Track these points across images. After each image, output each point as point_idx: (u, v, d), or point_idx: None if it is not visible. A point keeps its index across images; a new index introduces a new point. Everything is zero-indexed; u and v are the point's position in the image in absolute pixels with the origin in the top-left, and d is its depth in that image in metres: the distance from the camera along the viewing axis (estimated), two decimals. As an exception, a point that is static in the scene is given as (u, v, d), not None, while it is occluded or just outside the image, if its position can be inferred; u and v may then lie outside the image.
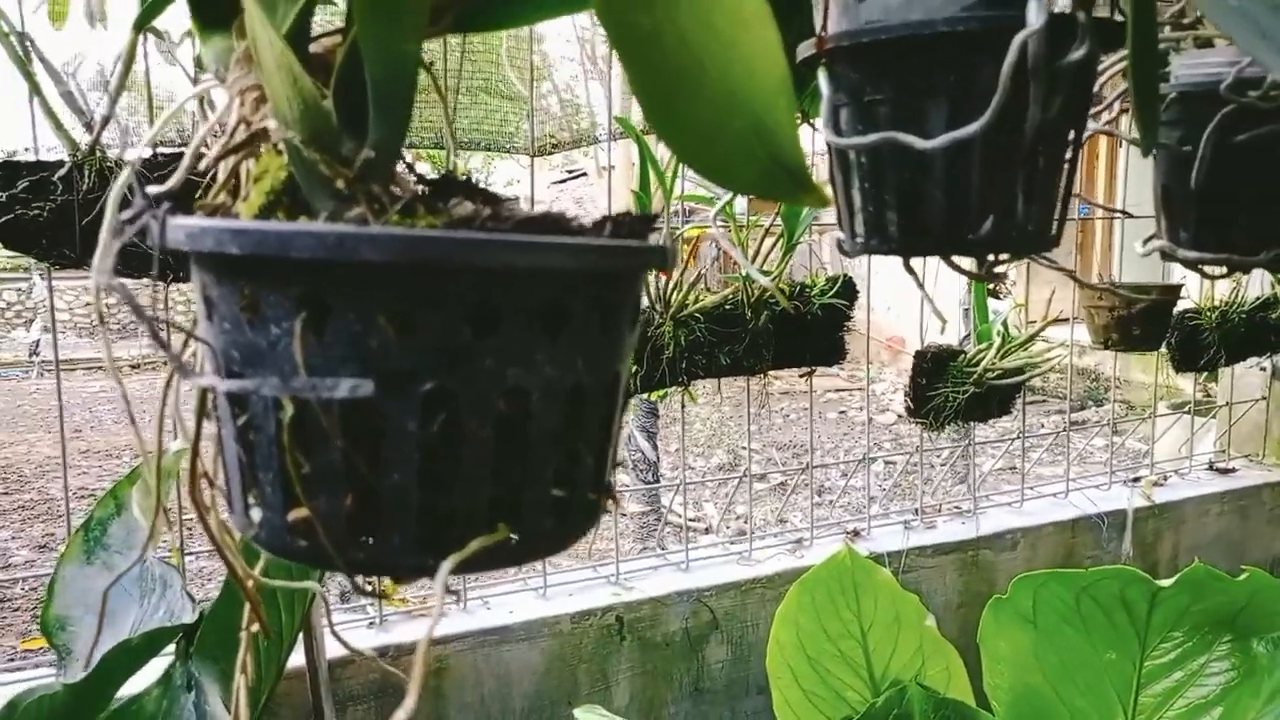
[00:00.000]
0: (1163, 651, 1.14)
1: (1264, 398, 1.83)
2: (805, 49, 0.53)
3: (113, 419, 6.33)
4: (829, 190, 0.35)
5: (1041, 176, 0.49)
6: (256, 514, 0.34)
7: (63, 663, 0.96)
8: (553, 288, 0.32)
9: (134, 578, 0.98)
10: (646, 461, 3.32)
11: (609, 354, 0.35)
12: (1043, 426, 4.91)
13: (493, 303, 0.31)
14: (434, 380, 0.31)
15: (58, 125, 0.97)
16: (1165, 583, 1.06)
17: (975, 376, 1.33)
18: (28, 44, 0.95)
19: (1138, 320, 1.52)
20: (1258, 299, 1.65)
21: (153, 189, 0.34)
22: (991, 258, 0.54)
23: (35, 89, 0.96)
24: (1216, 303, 1.66)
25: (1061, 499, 1.66)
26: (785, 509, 3.66)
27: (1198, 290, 1.66)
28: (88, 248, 0.97)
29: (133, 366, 8.16)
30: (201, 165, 0.43)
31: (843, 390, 6.72)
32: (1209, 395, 3.65)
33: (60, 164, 0.95)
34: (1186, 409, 2.03)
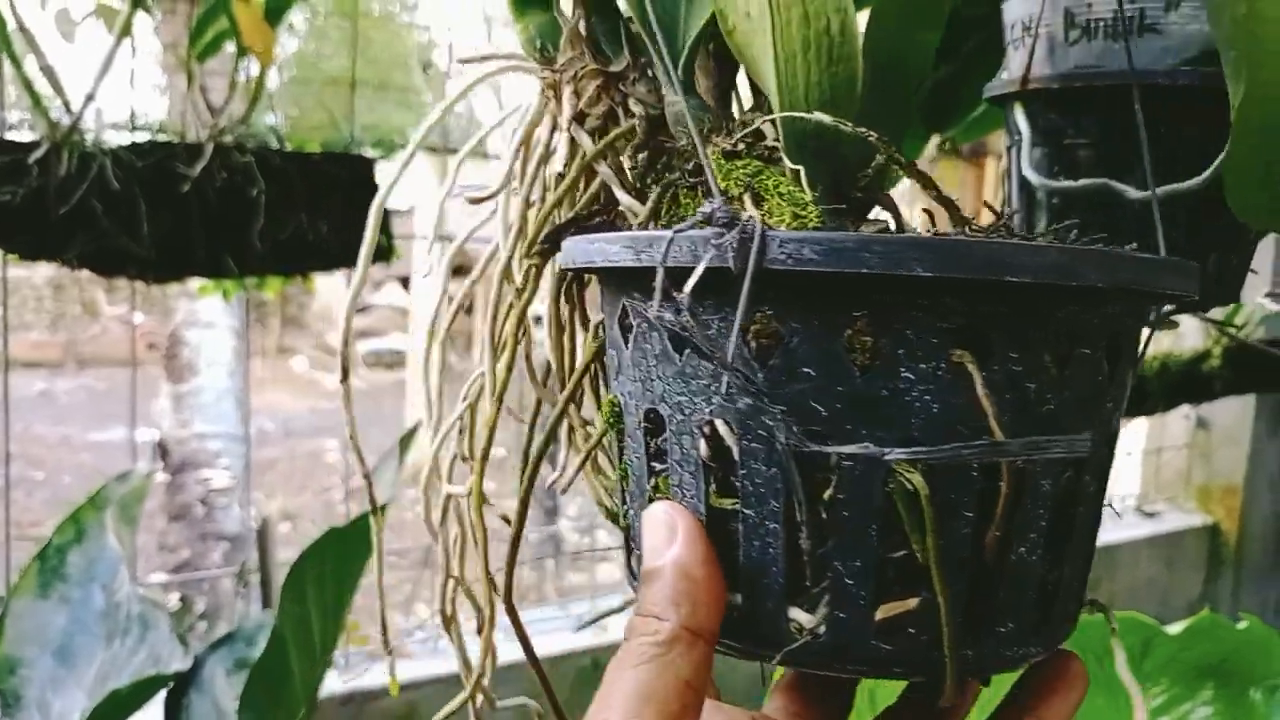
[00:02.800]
0: (1151, 696, 1.16)
1: (1188, 445, 1.92)
2: (999, 86, 0.51)
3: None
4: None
5: (1236, 231, 0.48)
6: (805, 617, 0.27)
7: (9, 710, 0.84)
8: (1146, 317, 0.29)
9: (98, 614, 0.87)
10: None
11: None
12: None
13: (1121, 334, 0.27)
14: (1079, 429, 0.26)
15: (36, 102, 0.86)
16: (1173, 629, 1.08)
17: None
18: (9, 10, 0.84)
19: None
20: (1194, 350, 1.73)
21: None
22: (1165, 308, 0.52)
23: (13, 60, 0.85)
24: (1157, 355, 1.73)
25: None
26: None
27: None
28: (64, 239, 0.86)
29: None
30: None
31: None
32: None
33: (36, 145, 0.85)
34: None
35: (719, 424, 0.27)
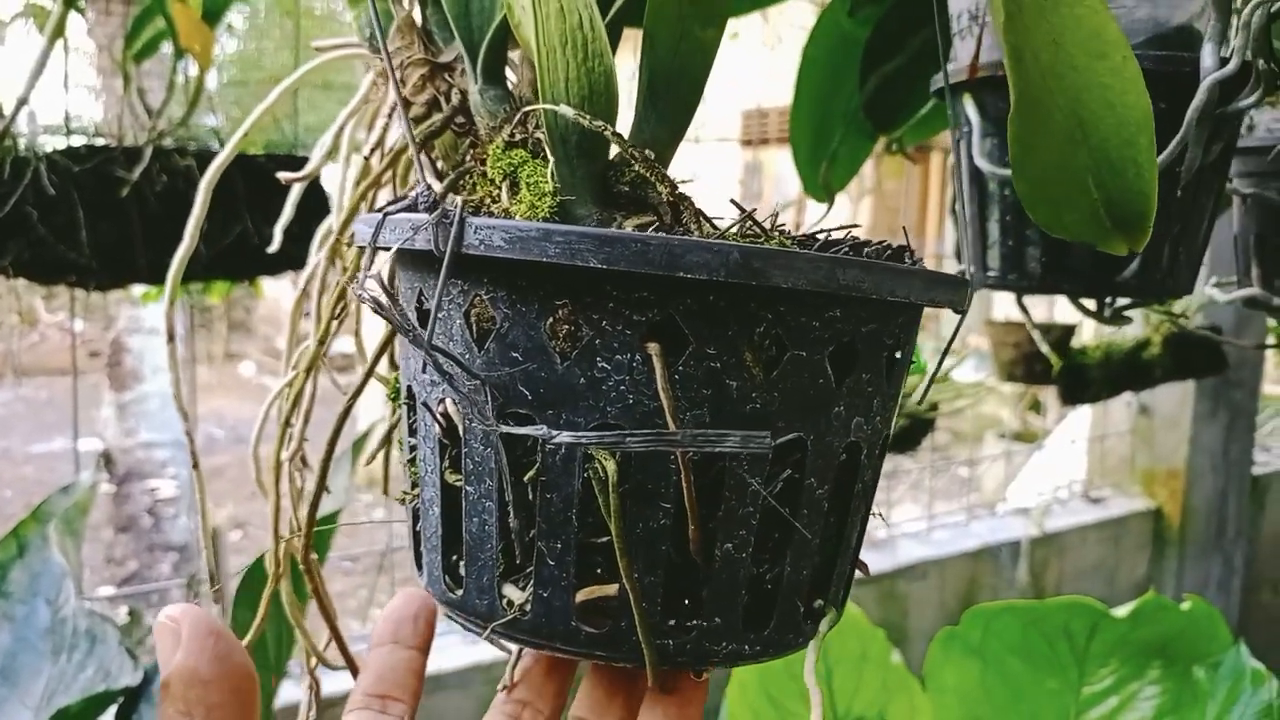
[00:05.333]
0: (1100, 677, 1.18)
1: (1131, 431, 1.97)
2: (950, 75, 0.52)
3: None
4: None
5: (1189, 222, 0.49)
6: (516, 593, 0.28)
7: (-49, 734, 0.81)
8: (897, 325, 0.28)
9: (43, 630, 0.84)
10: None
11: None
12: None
13: (855, 340, 0.27)
14: (792, 430, 0.26)
15: (-35, 106, 0.83)
16: (1119, 611, 1.10)
17: (908, 408, 1.35)
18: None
19: (1041, 356, 1.59)
20: (1135, 340, 1.77)
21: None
22: (1121, 301, 0.53)
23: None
24: (1099, 342, 1.76)
25: (963, 528, 1.72)
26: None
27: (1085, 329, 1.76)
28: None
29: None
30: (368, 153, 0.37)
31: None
32: (1028, 425, 3.91)
33: (-35, 150, 0.82)
34: (1041, 440, 2.15)
35: (449, 403, 0.28)
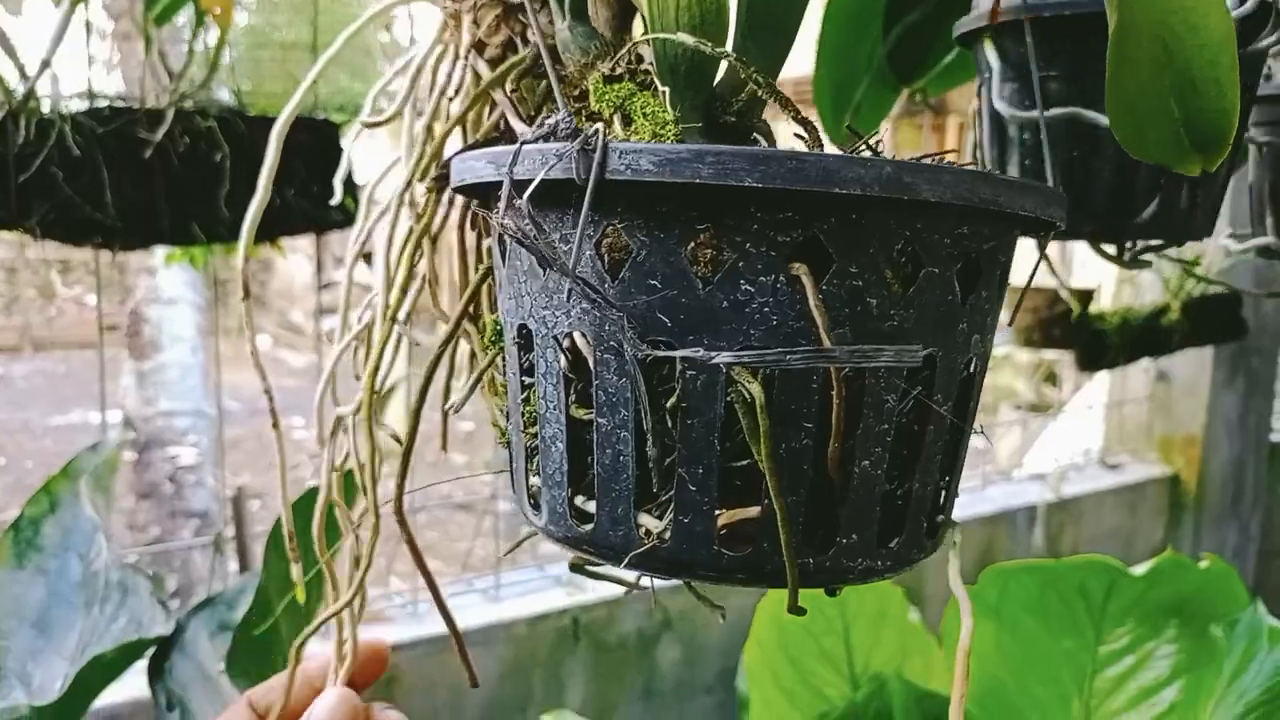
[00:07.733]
0: (1116, 637, 1.19)
1: (1149, 398, 1.96)
2: (969, 22, 0.52)
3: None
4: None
5: None
6: (654, 522, 0.27)
7: (-11, 684, 0.83)
8: (1010, 243, 0.29)
9: (75, 583, 0.86)
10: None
11: None
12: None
13: (979, 257, 0.27)
14: (927, 346, 0.26)
15: (-10, 67, 0.84)
16: (1138, 570, 1.11)
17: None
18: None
19: (1058, 322, 1.59)
20: (1154, 305, 1.76)
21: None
22: (1139, 244, 0.53)
23: (-36, 22, 0.83)
24: (1116, 309, 1.76)
25: (979, 492, 1.72)
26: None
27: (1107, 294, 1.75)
28: (25, 207, 0.84)
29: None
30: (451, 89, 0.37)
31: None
32: (1043, 396, 3.90)
33: (-10, 112, 0.83)
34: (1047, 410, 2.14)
35: (577, 336, 0.27)
